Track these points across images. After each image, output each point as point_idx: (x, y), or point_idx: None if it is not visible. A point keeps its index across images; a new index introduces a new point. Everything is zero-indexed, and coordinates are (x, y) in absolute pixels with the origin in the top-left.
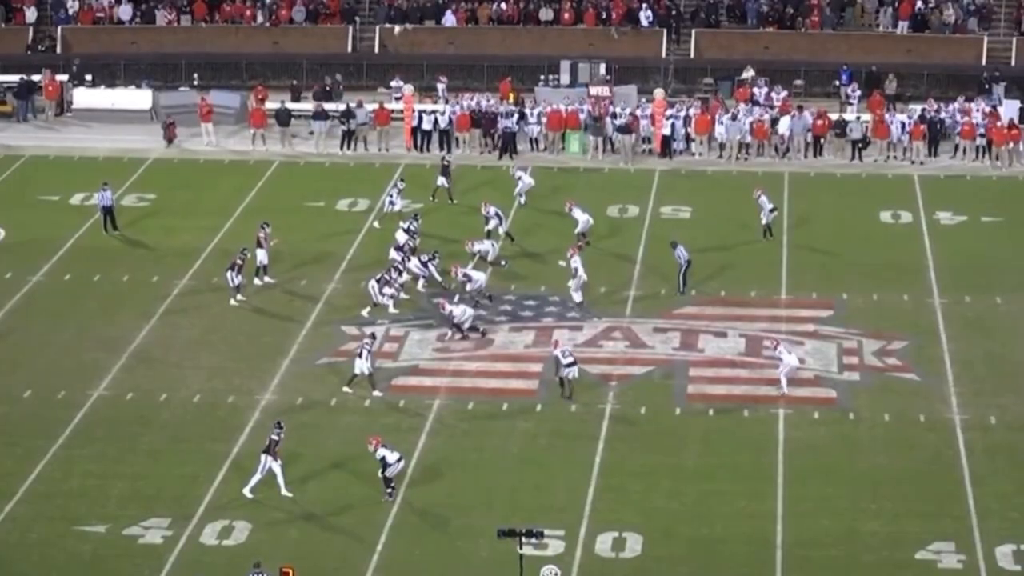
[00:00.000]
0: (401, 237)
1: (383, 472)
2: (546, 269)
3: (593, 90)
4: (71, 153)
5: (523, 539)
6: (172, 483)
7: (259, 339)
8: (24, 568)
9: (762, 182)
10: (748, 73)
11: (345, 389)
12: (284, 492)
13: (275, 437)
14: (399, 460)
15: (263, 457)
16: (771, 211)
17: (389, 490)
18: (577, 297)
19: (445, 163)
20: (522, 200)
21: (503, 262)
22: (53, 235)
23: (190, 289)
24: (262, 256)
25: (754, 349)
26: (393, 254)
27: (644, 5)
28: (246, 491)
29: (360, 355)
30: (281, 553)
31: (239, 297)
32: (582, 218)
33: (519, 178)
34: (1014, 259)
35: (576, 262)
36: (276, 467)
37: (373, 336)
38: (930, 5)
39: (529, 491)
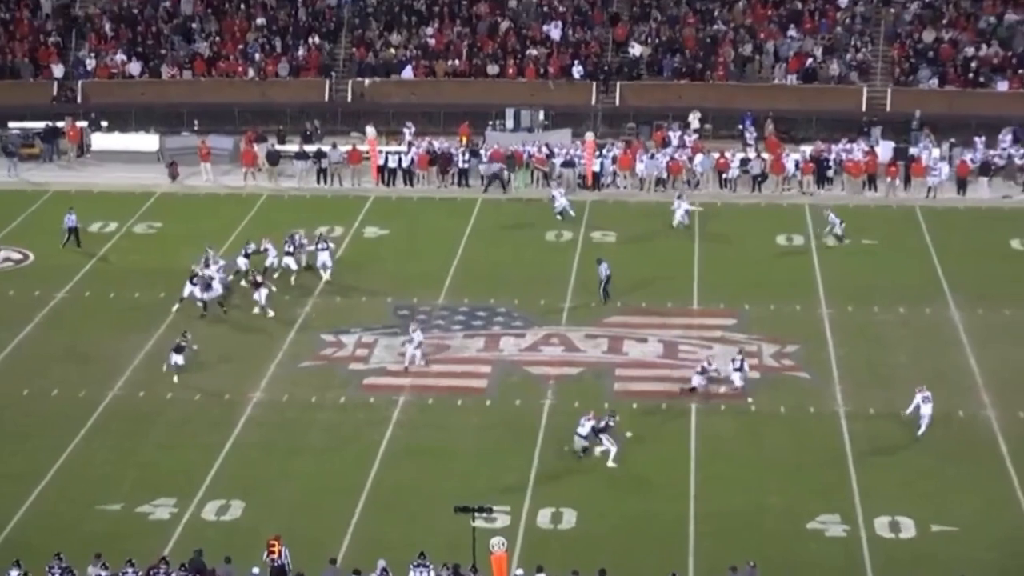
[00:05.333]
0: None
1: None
2: (495, 285)
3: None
4: (90, 188)
5: (476, 514)
6: (177, 469)
7: (250, 346)
8: (53, 540)
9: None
10: (695, 115)
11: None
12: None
13: (611, 423)
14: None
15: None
16: (840, 223)
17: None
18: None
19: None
20: (559, 217)
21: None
22: (75, 258)
23: (192, 304)
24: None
25: (670, 352)
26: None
27: (576, 61)
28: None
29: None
30: (270, 526)
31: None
32: (559, 202)
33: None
34: (889, 275)
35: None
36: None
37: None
38: (818, 61)
39: (481, 474)
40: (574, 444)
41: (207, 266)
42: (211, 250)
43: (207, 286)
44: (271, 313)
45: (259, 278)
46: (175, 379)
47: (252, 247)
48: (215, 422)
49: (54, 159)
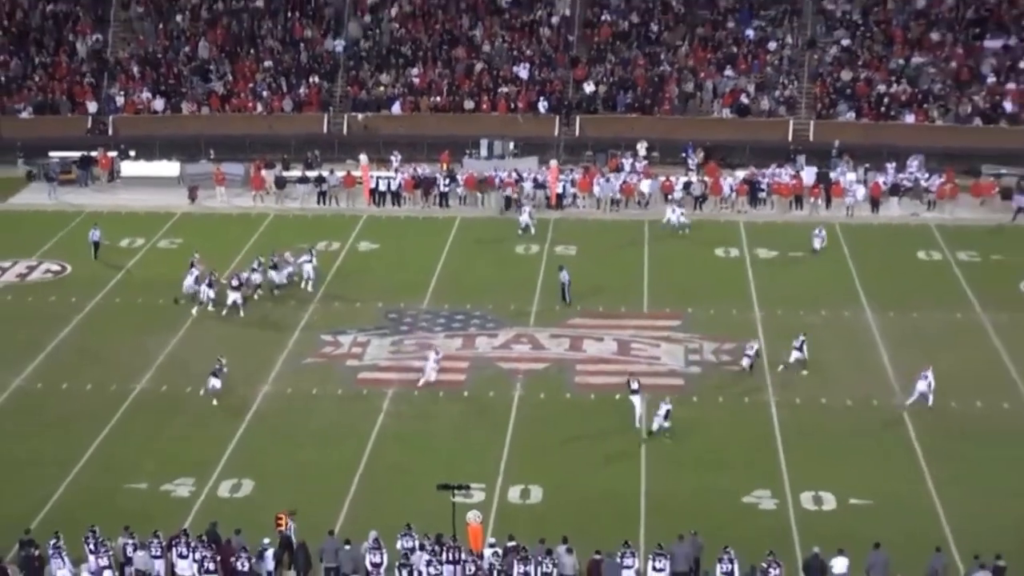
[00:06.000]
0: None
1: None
2: (471, 292)
3: (507, 171)
4: (120, 209)
5: (455, 491)
6: (196, 452)
7: (259, 345)
8: (87, 515)
9: (629, 229)
10: (642, 145)
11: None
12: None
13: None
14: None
15: None
16: (820, 239)
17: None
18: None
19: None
20: (521, 232)
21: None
22: (106, 270)
23: (208, 308)
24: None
25: (624, 349)
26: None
27: (542, 97)
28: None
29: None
30: (277, 503)
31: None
32: (523, 219)
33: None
34: (813, 283)
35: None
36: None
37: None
38: (750, 97)
39: (459, 456)
40: (651, 425)
41: (192, 267)
42: (196, 255)
43: (238, 287)
44: (231, 313)
45: (235, 283)
46: (215, 402)
47: (262, 260)
48: (229, 412)
49: (88, 184)
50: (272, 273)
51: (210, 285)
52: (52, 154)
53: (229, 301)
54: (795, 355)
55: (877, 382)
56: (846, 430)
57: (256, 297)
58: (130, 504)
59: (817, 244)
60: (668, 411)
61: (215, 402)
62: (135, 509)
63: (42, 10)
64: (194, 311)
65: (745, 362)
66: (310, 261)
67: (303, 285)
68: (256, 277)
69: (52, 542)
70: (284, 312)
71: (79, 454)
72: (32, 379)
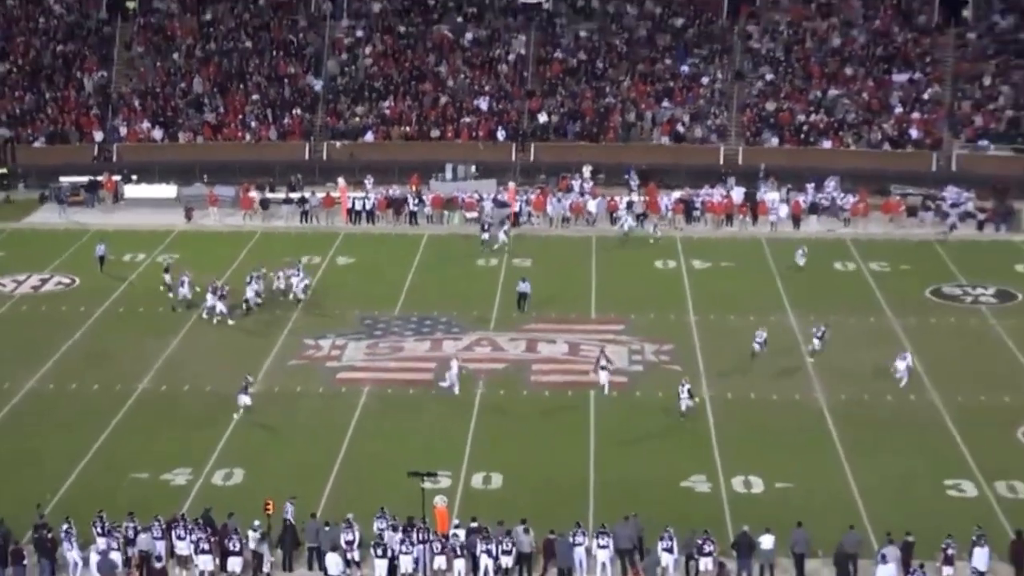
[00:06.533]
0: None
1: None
2: (438, 300)
3: (469, 192)
4: (123, 227)
5: (424, 478)
6: (192, 445)
7: (249, 348)
8: (95, 502)
9: (578, 244)
10: (587, 168)
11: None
12: None
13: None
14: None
15: None
16: (803, 255)
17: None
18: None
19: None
20: (482, 244)
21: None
22: (111, 282)
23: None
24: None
25: (574, 351)
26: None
27: (500, 126)
28: None
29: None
30: (265, 490)
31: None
32: (501, 237)
33: (501, 232)
34: (742, 291)
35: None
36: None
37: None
38: (686, 126)
39: (428, 446)
40: (681, 407)
41: (166, 271)
42: (170, 262)
43: (223, 296)
44: (228, 321)
45: (222, 292)
46: (235, 416)
47: (254, 273)
48: (221, 408)
49: (95, 205)
50: (249, 290)
51: (218, 295)
52: (62, 178)
53: (217, 311)
54: (816, 342)
55: (799, 379)
56: (772, 421)
57: (255, 308)
58: (133, 491)
59: (800, 261)
60: (689, 389)
61: (235, 416)
62: (138, 496)
63: (53, 50)
64: (215, 320)
65: (756, 348)
66: (298, 274)
67: (289, 296)
68: (250, 291)
69: (64, 527)
70: (271, 319)
71: (87, 447)
72: (44, 380)
